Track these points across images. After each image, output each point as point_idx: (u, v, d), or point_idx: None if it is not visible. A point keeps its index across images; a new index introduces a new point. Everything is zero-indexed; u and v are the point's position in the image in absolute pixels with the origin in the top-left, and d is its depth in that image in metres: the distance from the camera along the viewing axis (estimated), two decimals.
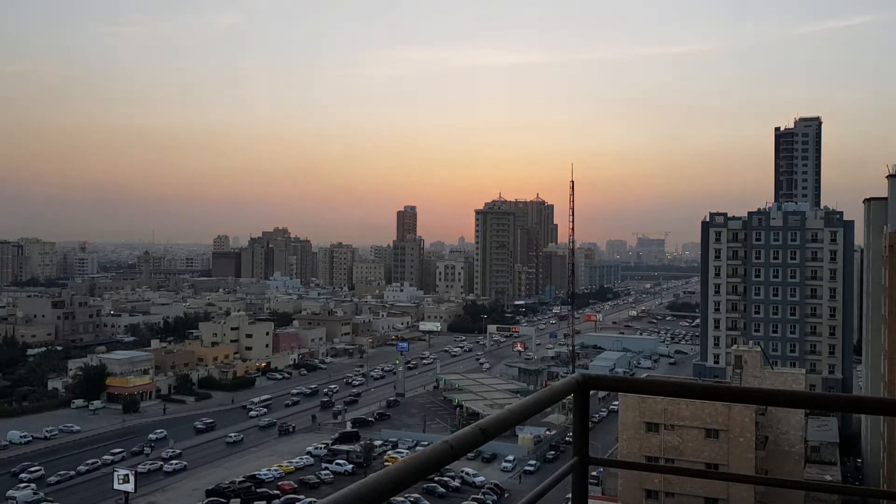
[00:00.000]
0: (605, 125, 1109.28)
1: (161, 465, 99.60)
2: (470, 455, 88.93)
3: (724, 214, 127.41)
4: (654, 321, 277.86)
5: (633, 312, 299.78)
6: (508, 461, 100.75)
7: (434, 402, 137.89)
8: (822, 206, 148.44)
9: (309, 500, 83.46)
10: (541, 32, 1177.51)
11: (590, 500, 3.96)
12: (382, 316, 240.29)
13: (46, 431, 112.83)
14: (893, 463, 64.94)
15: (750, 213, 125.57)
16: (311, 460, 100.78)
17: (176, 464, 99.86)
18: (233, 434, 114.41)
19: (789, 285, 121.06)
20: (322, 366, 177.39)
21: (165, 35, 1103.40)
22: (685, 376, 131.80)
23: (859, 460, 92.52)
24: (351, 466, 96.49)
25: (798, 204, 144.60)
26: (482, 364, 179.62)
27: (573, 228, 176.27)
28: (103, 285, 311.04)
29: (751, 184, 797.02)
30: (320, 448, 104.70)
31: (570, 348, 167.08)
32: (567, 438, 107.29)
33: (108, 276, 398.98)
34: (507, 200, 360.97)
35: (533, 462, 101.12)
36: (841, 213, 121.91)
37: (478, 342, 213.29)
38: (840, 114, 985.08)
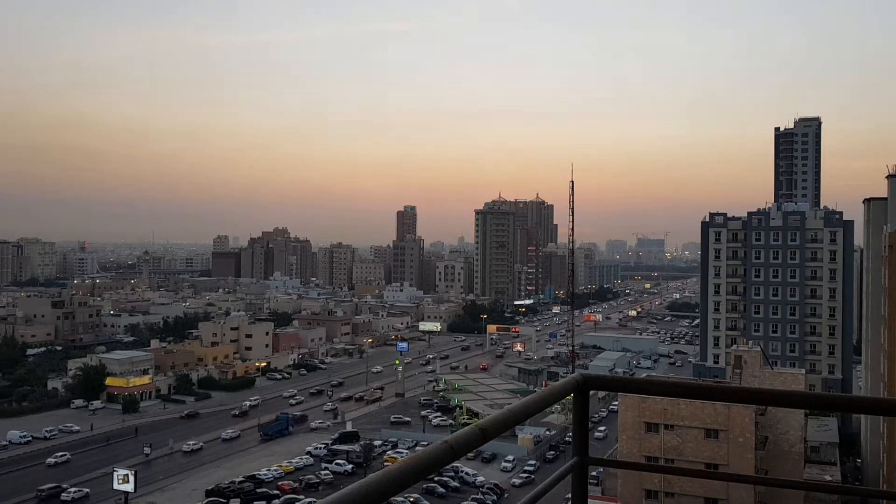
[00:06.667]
0: (606, 124, 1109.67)
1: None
2: (470, 455, 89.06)
3: (724, 214, 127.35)
4: (654, 321, 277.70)
5: (633, 312, 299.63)
6: (508, 461, 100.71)
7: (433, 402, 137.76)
8: (821, 206, 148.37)
9: (309, 500, 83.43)
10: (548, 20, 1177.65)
11: (590, 500, 3.96)
12: (382, 316, 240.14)
13: (46, 431, 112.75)
14: (893, 463, 64.89)
15: (750, 214, 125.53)
16: (311, 460, 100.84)
17: None
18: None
19: (789, 285, 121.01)
20: (322, 366, 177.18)
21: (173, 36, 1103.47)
22: (685, 376, 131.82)
23: (859, 460, 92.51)
24: (351, 466, 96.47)
25: (798, 204, 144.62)
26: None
27: (573, 228, 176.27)
28: (103, 285, 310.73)
29: (751, 184, 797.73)
30: (320, 448, 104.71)
31: (570, 348, 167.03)
32: (567, 438, 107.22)
33: (108, 276, 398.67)
34: (507, 200, 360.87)
35: (533, 462, 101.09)
36: (841, 213, 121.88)
37: (475, 343, 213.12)
38: (841, 113, 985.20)
